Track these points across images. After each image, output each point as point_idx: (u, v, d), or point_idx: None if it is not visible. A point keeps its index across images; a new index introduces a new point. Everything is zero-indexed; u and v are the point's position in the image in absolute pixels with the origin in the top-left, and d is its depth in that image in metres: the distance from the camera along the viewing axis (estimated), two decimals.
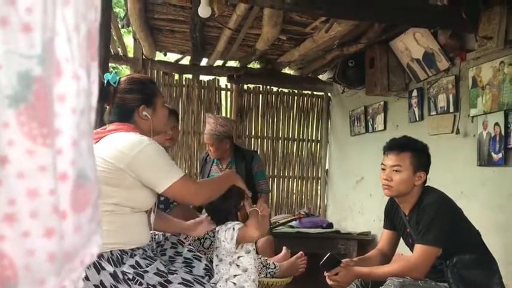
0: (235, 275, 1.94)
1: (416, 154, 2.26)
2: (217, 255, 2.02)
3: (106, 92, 1.88)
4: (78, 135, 0.66)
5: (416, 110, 3.71)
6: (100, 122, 2.02)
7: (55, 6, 0.61)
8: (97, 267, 1.69)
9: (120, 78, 1.93)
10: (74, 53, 0.64)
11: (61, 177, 0.63)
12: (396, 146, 2.29)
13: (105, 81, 1.88)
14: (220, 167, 3.55)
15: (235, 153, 3.57)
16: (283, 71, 5.21)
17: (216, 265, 2.02)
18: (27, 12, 0.58)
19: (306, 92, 5.46)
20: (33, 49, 0.59)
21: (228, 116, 5.22)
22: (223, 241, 1.98)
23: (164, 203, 2.57)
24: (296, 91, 5.44)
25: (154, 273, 1.74)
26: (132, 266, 1.73)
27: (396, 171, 2.23)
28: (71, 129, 0.65)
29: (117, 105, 1.90)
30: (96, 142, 1.81)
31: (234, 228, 1.97)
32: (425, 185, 2.31)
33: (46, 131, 0.60)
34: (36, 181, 0.60)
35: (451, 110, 3.29)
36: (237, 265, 1.97)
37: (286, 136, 5.43)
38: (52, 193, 0.61)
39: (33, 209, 0.60)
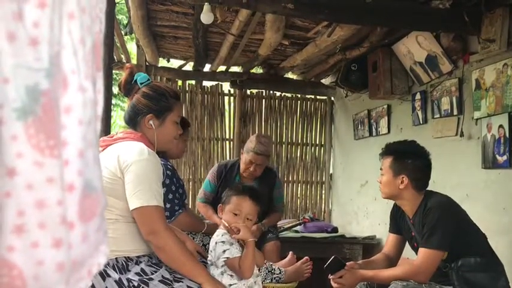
0: (230, 285, 1.91)
1: (397, 158, 2.32)
2: (210, 260, 2.01)
3: (130, 88, 1.95)
4: (84, 145, 0.67)
5: (419, 113, 3.70)
6: (105, 130, 2.04)
7: (61, 20, 0.62)
8: (102, 274, 1.69)
9: (150, 82, 1.98)
10: (79, 65, 0.65)
11: (68, 188, 0.64)
12: (384, 150, 2.43)
13: (134, 79, 1.94)
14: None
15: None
16: (286, 75, 5.21)
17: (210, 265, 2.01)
18: (34, 26, 0.59)
19: (309, 96, 5.46)
20: (40, 62, 0.59)
21: (232, 121, 5.25)
22: (212, 251, 1.98)
23: (170, 211, 2.57)
24: (299, 95, 5.44)
25: (160, 281, 1.74)
26: (138, 274, 1.73)
27: (382, 174, 2.37)
28: (77, 140, 0.66)
29: (131, 105, 1.94)
30: (103, 150, 1.82)
31: (224, 251, 1.92)
32: (427, 189, 2.33)
33: (53, 142, 0.61)
34: (44, 192, 0.61)
35: (455, 112, 3.28)
36: (230, 275, 1.93)
37: (289, 141, 5.43)
38: (60, 204, 0.62)
39: (42, 220, 0.61)
